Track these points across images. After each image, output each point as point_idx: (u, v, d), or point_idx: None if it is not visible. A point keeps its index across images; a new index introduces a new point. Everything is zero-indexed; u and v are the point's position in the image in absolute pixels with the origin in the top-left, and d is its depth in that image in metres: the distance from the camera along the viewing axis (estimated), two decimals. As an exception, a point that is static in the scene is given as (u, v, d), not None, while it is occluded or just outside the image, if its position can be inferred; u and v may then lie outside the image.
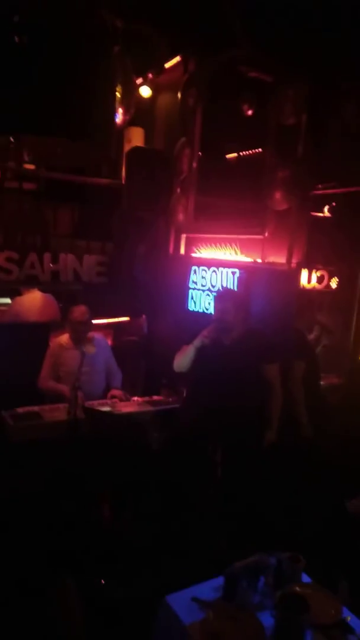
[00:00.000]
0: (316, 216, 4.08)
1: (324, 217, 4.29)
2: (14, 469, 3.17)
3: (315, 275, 3.84)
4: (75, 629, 2.17)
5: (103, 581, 2.92)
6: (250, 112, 5.34)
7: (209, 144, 5.09)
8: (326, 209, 4.38)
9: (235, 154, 6.65)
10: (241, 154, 6.54)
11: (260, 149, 5.50)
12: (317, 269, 3.84)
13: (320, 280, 3.89)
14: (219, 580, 2.08)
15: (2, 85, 2.92)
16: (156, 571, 2.77)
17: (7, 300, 5.05)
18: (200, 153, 4.74)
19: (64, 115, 2.93)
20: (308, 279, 3.83)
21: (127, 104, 3.40)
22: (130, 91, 3.58)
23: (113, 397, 3.77)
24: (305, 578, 2.13)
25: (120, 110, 3.40)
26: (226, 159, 6.74)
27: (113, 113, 3.24)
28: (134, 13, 4.20)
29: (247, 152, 6.40)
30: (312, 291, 3.87)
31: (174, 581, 2.28)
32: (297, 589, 2.00)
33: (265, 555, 2.12)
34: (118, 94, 3.41)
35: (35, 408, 3.46)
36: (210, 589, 2.08)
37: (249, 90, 5.13)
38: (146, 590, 2.60)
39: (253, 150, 6.15)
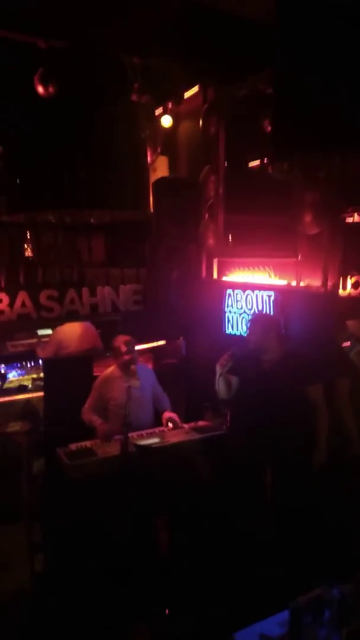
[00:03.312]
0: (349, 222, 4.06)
1: (355, 222, 4.27)
2: (72, 506, 3.30)
3: (350, 282, 3.82)
4: None
5: (167, 611, 3.01)
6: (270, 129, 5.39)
7: (232, 160, 5.17)
8: (357, 214, 4.36)
9: (258, 162, 6.68)
10: (265, 161, 6.56)
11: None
12: (352, 275, 3.80)
13: (355, 286, 3.85)
14: (284, 615, 2.13)
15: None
16: (217, 602, 2.84)
17: (49, 331, 5.26)
18: (225, 169, 4.80)
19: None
20: (343, 286, 3.80)
21: (153, 143, 3.53)
22: (155, 130, 3.71)
23: (170, 419, 3.88)
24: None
25: (149, 151, 3.54)
26: (251, 172, 6.78)
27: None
28: (150, 48, 4.34)
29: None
30: (348, 298, 3.85)
31: (236, 612, 2.34)
32: (363, 622, 2.02)
33: (327, 587, 2.15)
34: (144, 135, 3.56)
35: (88, 443, 3.59)
36: (275, 624, 2.13)
37: (269, 107, 5.19)
38: (209, 622, 2.68)
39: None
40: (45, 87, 4.07)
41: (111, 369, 3.96)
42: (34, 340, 5.32)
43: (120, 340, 3.90)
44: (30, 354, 5.22)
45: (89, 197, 3.12)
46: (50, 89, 4.09)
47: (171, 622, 2.82)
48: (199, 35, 3.91)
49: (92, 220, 4.73)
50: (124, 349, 3.83)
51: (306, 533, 3.00)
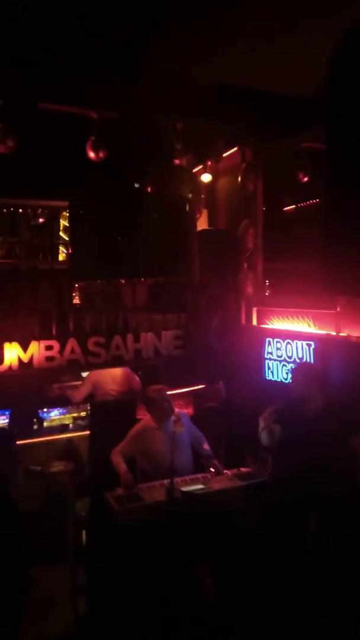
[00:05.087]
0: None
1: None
2: (118, 548, 3.40)
3: None
4: None
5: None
6: (306, 179, 5.64)
7: (268, 207, 5.40)
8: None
9: (293, 206, 6.89)
10: (300, 205, 6.76)
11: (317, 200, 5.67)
12: None
13: None
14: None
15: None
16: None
17: (85, 374, 5.48)
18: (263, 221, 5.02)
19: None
20: None
21: (197, 207, 3.81)
22: (198, 189, 3.99)
23: (212, 466, 3.98)
24: None
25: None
26: (287, 218, 6.99)
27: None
28: (192, 113, 4.69)
29: (306, 203, 6.59)
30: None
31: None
32: None
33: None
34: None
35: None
36: None
37: (303, 158, 5.45)
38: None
39: (311, 201, 6.35)
40: (97, 153, 4.46)
41: (147, 420, 4.10)
42: (79, 383, 5.54)
43: (156, 391, 4.06)
44: (64, 400, 5.42)
45: (142, 269, 3.46)
46: (101, 154, 4.48)
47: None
48: (239, 103, 4.23)
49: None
50: (161, 399, 3.98)
51: (354, 581, 3.00)
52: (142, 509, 3.42)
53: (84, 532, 4.30)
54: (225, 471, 3.99)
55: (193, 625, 3.18)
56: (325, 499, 3.19)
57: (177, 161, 4.56)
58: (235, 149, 4.99)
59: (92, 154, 4.42)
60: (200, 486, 3.66)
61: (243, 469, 4.01)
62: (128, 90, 4.18)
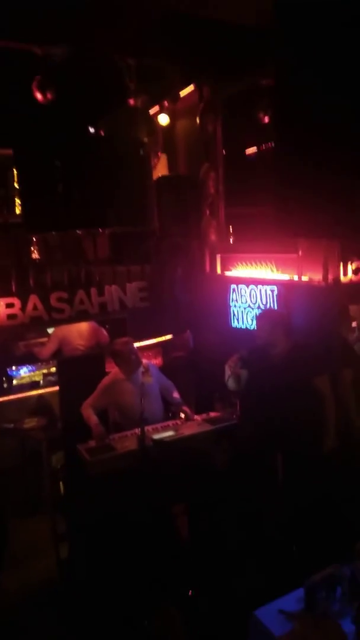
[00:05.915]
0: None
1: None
2: (95, 498, 3.50)
3: (350, 268, 3.89)
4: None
5: (190, 592, 3.23)
6: (267, 119, 5.46)
7: (229, 150, 5.24)
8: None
9: (255, 149, 6.71)
10: (262, 147, 6.60)
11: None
12: (352, 261, 3.86)
13: (356, 272, 3.92)
14: (300, 592, 2.33)
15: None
16: (237, 582, 3.05)
17: (51, 330, 5.41)
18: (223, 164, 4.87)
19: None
20: (344, 272, 3.89)
21: (154, 145, 3.64)
22: (155, 132, 3.80)
23: (182, 412, 4.08)
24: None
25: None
26: (249, 161, 6.83)
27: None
28: (145, 49, 4.39)
29: (269, 145, 6.42)
30: (349, 285, 3.96)
31: (255, 591, 2.54)
32: (373, 595, 2.22)
33: (339, 566, 2.35)
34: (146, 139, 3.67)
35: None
36: (293, 600, 2.33)
37: (263, 97, 5.25)
38: (231, 602, 2.89)
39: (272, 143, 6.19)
40: (44, 94, 4.16)
41: (115, 372, 4.11)
42: (45, 339, 5.47)
43: (122, 344, 4.05)
44: (32, 357, 5.37)
45: (98, 217, 3.29)
46: (49, 95, 4.18)
47: (196, 602, 3.03)
48: (193, 37, 3.97)
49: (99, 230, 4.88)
50: (128, 351, 3.99)
51: (317, 514, 3.20)
52: (114, 458, 3.50)
53: (61, 484, 4.40)
54: (195, 417, 4.08)
55: (171, 563, 3.36)
56: (290, 440, 3.32)
57: (131, 102, 4.31)
58: (192, 87, 4.73)
59: (38, 95, 4.12)
60: (171, 433, 3.75)
61: (212, 414, 4.12)
62: (74, 23, 3.84)
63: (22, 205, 4.23)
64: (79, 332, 5.23)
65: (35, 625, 3.40)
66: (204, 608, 3.01)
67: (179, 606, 2.65)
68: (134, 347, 4.09)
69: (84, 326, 5.24)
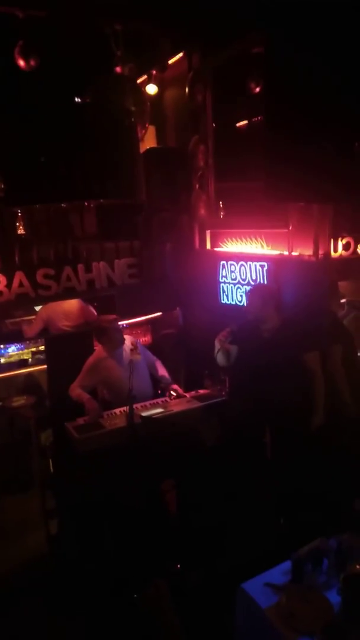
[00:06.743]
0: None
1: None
2: (84, 474, 3.50)
3: (341, 243, 3.83)
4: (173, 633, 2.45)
5: (178, 566, 3.26)
6: (257, 90, 5.30)
7: (220, 122, 5.10)
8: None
9: (246, 122, 6.55)
10: (253, 120, 6.44)
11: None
12: (343, 237, 3.82)
13: (346, 247, 3.90)
14: (287, 565, 2.35)
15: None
16: (225, 556, 3.08)
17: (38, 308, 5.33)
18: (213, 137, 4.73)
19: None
20: (334, 247, 3.85)
21: (142, 116, 3.51)
22: (142, 102, 3.67)
23: (172, 389, 4.06)
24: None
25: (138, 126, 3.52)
26: (239, 134, 6.66)
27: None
28: (132, 13, 4.21)
29: (258, 119, 6.27)
30: (339, 260, 3.91)
31: (242, 565, 2.56)
32: (358, 567, 2.25)
33: (325, 539, 2.37)
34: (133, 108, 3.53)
35: (95, 416, 3.74)
36: (279, 573, 2.36)
37: (254, 66, 5.08)
38: (218, 575, 2.92)
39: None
40: (27, 61, 3.98)
41: (99, 350, 4.06)
42: (32, 317, 5.39)
43: (109, 321, 3.99)
44: (19, 335, 5.30)
45: (83, 190, 3.16)
46: (32, 62, 4.00)
47: (185, 575, 3.07)
48: (181, 1, 3.80)
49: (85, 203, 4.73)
50: (113, 329, 3.94)
51: (304, 489, 3.22)
52: (102, 436, 3.48)
53: (50, 461, 4.40)
54: (184, 394, 4.07)
55: (161, 538, 3.38)
56: (280, 416, 3.32)
57: (118, 69, 4.14)
58: (181, 54, 4.56)
59: (21, 62, 3.94)
60: (159, 410, 3.74)
61: (201, 391, 4.11)
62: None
63: (3, 177, 4.07)
64: (65, 312, 5.13)
65: (26, 599, 3.43)
66: (192, 582, 3.05)
67: (168, 580, 2.67)
68: (119, 326, 4.04)
69: (70, 306, 5.12)
